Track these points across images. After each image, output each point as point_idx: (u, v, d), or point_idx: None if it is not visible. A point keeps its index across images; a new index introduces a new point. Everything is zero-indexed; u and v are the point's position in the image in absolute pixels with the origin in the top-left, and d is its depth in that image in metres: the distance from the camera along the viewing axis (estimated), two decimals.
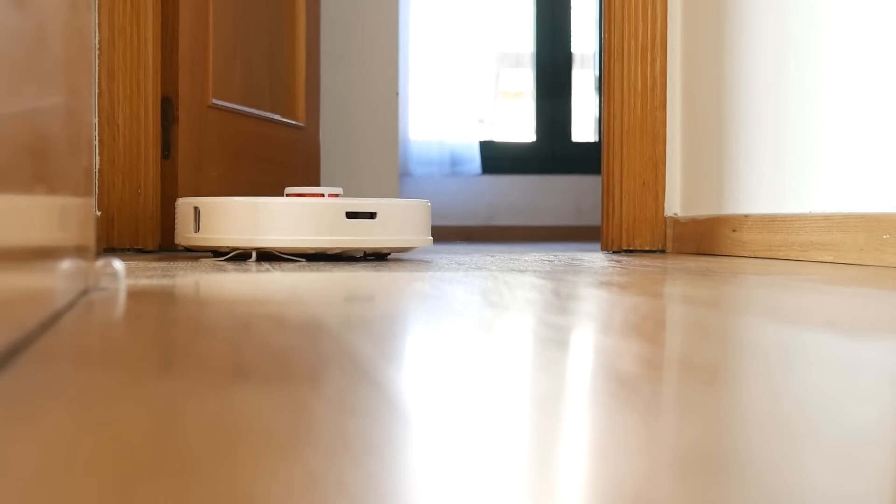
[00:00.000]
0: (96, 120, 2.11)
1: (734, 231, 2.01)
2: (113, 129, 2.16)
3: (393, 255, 1.76)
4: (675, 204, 2.30)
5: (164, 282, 1.09)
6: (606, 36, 2.32)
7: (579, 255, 2.09)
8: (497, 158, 4.23)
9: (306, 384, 0.46)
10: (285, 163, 2.71)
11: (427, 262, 1.57)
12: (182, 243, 1.75)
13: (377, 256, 1.72)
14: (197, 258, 1.71)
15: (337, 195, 1.75)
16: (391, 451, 0.33)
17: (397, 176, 3.43)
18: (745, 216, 1.97)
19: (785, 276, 1.26)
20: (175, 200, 2.23)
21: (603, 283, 1.07)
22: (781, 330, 0.69)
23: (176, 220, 1.77)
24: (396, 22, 3.45)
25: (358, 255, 1.69)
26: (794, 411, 0.41)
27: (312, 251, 1.65)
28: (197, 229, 1.70)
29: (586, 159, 4.18)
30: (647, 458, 0.32)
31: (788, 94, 1.86)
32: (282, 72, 2.75)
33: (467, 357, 0.54)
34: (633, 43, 2.29)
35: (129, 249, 2.15)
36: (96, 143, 2.12)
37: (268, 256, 1.63)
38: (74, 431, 0.36)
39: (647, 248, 2.28)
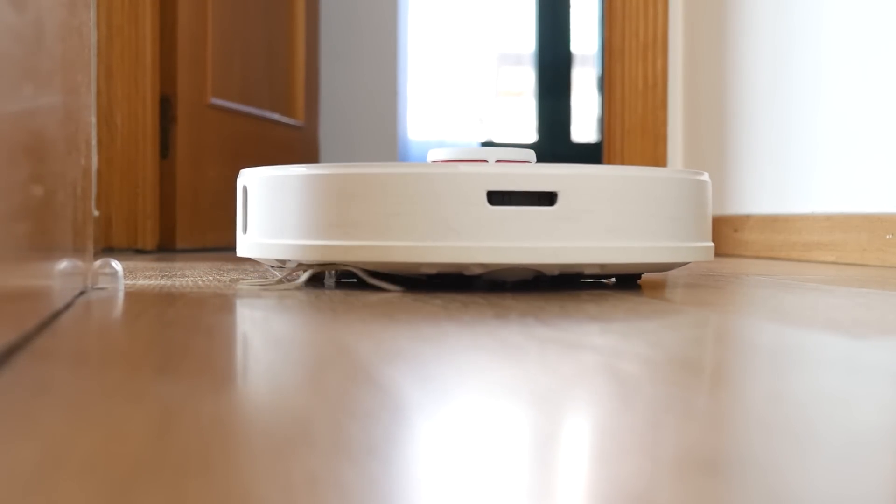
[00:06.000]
0: (94, 119, 2.11)
1: (736, 231, 2.01)
2: (111, 129, 2.16)
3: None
4: None
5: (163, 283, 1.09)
6: (607, 35, 2.32)
7: None
8: None
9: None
10: (284, 162, 2.71)
11: None
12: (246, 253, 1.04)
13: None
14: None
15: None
16: (391, 452, 0.33)
17: None
18: (747, 216, 1.97)
19: (787, 277, 1.26)
20: (174, 200, 2.23)
21: (603, 283, 1.07)
22: (784, 330, 0.69)
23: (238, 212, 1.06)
24: (396, 21, 3.45)
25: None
26: (797, 412, 0.40)
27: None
28: (245, 228, 1.04)
29: (587, 159, 4.18)
30: (649, 460, 0.32)
31: (791, 94, 1.86)
32: (281, 71, 2.75)
33: (466, 357, 0.54)
34: (634, 42, 2.29)
35: (127, 250, 2.15)
36: (94, 142, 2.12)
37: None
38: (71, 432, 0.35)
39: None
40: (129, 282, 1.07)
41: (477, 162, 0.97)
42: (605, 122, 2.33)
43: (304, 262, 0.96)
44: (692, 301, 0.88)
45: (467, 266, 0.91)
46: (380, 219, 0.91)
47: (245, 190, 1.02)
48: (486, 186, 0.91)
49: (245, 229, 1.02)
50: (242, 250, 1.03)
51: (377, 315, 0.74)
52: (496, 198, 0.91)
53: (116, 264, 0.99)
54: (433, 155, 1.05)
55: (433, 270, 0.92)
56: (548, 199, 0.92)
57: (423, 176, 0.91)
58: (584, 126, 4.30)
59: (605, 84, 2.34)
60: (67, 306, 0.77)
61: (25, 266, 0.58)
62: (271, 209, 0.97)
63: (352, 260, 0.92)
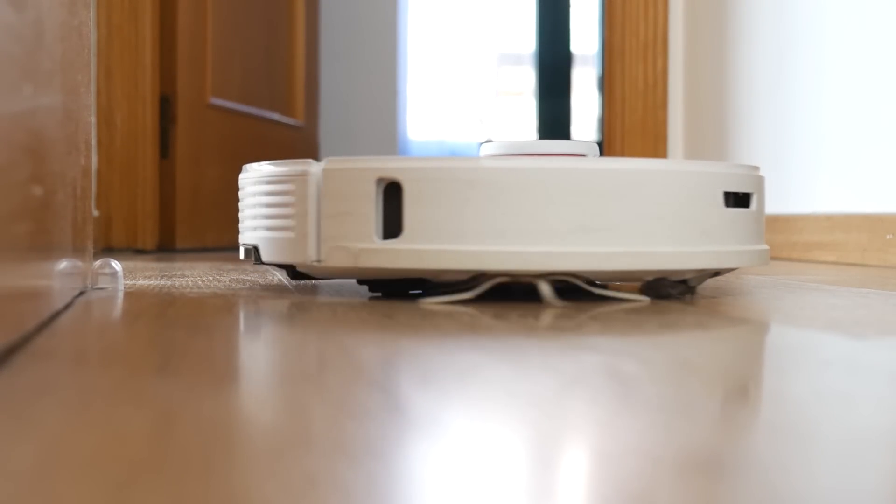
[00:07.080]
0: (94, 119, 2.11)
1: None
2: (111, 129, 2.16)
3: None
4: None
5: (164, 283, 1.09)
6: (608, 34, 2.32)
7: None
8: None
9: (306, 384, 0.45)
10: None
11: None
12: (341, 265, 0.85)
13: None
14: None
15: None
16: (391, 453, 0.33)
17: None
18: None
19: (787, 277, 1.26)
20: (174, 200, 2.23)
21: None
22: (784, 330, 0.69)
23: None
24: (396, 21, 3.45)
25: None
26: (798, 412, 0.40)
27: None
28: (386, 232, 0.84)
29: None
30: (650, 460, 0.32)
31: (791, 94, 1.86)
32: (281, 71, 2.75)
33: (466, 358, 0.53)
34: (634, 42, 2.29)
35: (127, 250, 2.15)
36: (94, 142, 2.11)
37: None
38: (71, 432, 0.35)
39: None
40: (128, 282, 1.07)
41: (573, 156, 0.90)
42: (605, 122, 2.33)
43: (506, 271, 0.82)
44: (692, 301, 0.88)
45: (682, 272, 0.88)
46: (640, 221, 0.83)
47: (398, 187, 0.84)
48: (724, 187, 0.88)
49: (395, 232, 0.84)
50: (385, 260, 0.83)
51: (378, 316, 0.74)
52: (727, 199, 0.89)
53: (116, 264, 0.99)
54: (488, 149, 0.91)
55: (650, 276, 0.87)
56: (740, 199, 0.90)
57: (679, 174, 0.85)
58: (584, 126, 4.30)
59: (606, 84, 2.34)
60: (67, 306, 0.77)
61: (25, 266, 0.58)
62: (481, 210, 0.82)
63: (593, 269, 0.83)
